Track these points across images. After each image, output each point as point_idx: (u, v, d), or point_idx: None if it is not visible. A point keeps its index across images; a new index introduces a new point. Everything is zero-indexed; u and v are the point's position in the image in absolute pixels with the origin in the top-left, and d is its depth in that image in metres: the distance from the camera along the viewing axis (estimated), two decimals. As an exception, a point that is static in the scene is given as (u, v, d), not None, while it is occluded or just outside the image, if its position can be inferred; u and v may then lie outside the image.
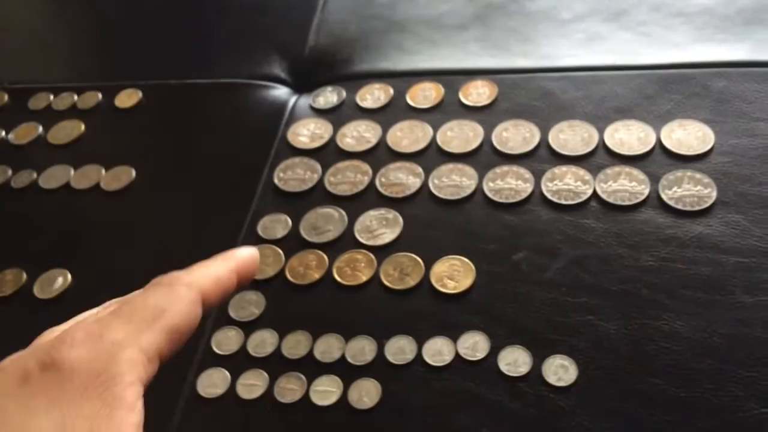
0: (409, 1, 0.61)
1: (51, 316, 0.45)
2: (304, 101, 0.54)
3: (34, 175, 0.53)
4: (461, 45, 0.57)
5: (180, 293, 0.27)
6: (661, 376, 0.35)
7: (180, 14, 0.65)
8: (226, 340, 0.41)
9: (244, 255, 0.31)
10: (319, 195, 0.47)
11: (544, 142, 0.47)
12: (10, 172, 0.53)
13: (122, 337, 0.25)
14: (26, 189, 0.52)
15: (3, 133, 0.57)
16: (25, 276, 0.46)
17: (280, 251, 0.44)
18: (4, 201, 0.52)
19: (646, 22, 0.55)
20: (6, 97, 0.60)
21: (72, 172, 0.52)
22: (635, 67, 0.51)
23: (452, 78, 0.53)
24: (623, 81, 0.50)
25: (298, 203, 0.47)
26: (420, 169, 0.47)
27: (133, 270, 0.46)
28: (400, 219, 0.45)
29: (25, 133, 0.56)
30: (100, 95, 0.58)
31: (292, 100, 0.55)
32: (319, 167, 0.49)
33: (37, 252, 0.48)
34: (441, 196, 0.45)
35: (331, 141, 0.50)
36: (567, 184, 0.44)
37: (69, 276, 0.46)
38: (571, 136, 0.46)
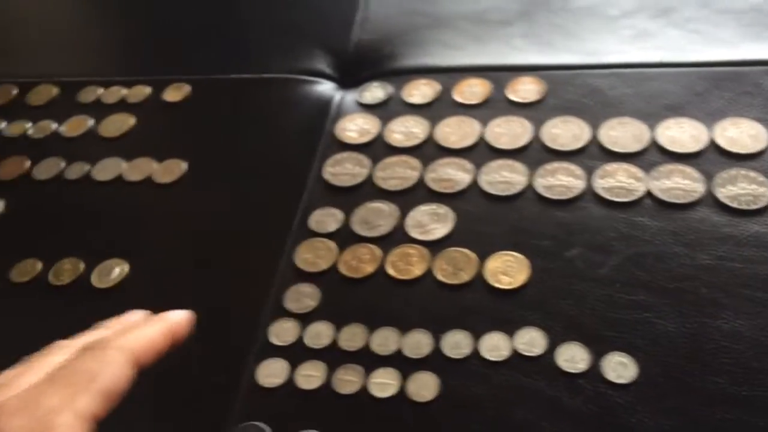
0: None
1: (109, 304, 0.46)
2: (351, 97, 0.55)
3: (87, 167, 0.54)
4: (506, 41, 0.57)
5: (111, 357, 0.29)
6: (722, 374, 0.35)
7: (223, 9, 0.65)
8: (283, 332, 0.41)
9: (177, 318, 0.33)
10: (368, 190, 0.48)
11: (594, 139, 0.47)
12: (63, 163, 0.54)
13: (57, 403, 0.26)
14: (80, 180, 0.53)
15: (55, 125, 0.58)
16: (82, 265, 0.47)
17: (333, 245, 0.45)
18: (59, 192, 0.53)
19: (694, 19, 0.55)
20: (55, 91, 0.61)
21: (124, 164, 0.53)
22: (685, 65, 0.51)
23: (499, 74, 0.53)
24: (673, 78, 0.50)
25: (348, 198, 0.48)
26: (470, 165, 0.47)
27: (186, 261, 0.47)
28: (452, 214, 0.45)
29: (76, 125, 0.57)
30: (148, 89, 0.59)
31: (338, 95, 0.56)
32: (368, 162, 0.49)
33: (93, 242, 0.49)
34: (492, 192, 0.46)
35: (379, 136, 0.51)
36: (619, 182, 0.44)
37: (126, 266, 0.47)
38: (622, 134, 0.47)
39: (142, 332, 0.31)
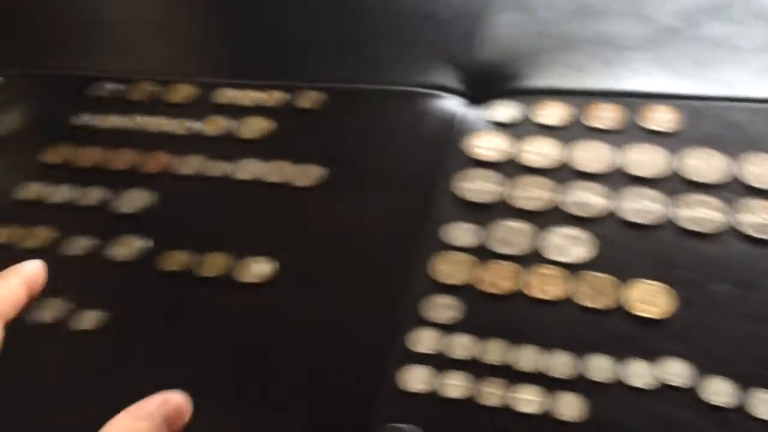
0: (578, 19, 0.62)
1: (259, 298, 0.49)
2: (479, 113, 0.57)
3: (228, 166, 0.57)
4: (637, 67, 0.58)
5: None
6: None
7: (348, 20, 0.68)
8: (423, 340, 0.43)
9: (32, 269, 0.35)
10: (503, 208, 0.49)
11: (735, 174, 0.47)
12: (204, 161, 0.58)
13: None
14: (221, 178, 0.56)
15: (194, 124, 0.61)
16: (229, 260, 0.50)
17: (468, 259, 0.47)
18: (201, 189, 0.56)
19: (830, 57, 0.55)
20: (194, 91, 0.64)
21: (263, 166, 0.56)
22: (825, 104, 0.51)
23: (631, 100, 0.54)
24: (813, 117, 0.50)
25: (481, 214, 0.49)
26: (606, 191, 0.49)
27: (325, 262, 0.49)
28: (590, 238, 0.46)
29: (215, 126, 0.60)
30: (283, 94, 0.61)
31: (464, 111, 0.57)
32: (501, 180, 0.51)
33: (237, 238, 0.52)
34: (631, 219, 0.47)
35: (512, 155, 0.52)
36: (764, 219, 0.45)
37: (269, 263, 0.49)
38: (765, 171, 0.47)
39: (3, 290, 0.33)
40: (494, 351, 0.42)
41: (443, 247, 0.48)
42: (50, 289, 0.51)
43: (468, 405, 0.40)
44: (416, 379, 0.42)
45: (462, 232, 0.49)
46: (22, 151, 0.62)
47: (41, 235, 0.55)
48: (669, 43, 0.59)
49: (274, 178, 0.55)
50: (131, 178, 0.58)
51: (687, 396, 0.38)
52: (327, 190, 0.54)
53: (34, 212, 0.57)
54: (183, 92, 0.64)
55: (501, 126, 0.55)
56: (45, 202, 0.58)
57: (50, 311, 0.50)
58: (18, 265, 0.35)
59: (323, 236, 0.51)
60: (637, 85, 0.56)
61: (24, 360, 0.43)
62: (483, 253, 0.47)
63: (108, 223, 0.55)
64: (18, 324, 0.49)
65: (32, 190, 0.59)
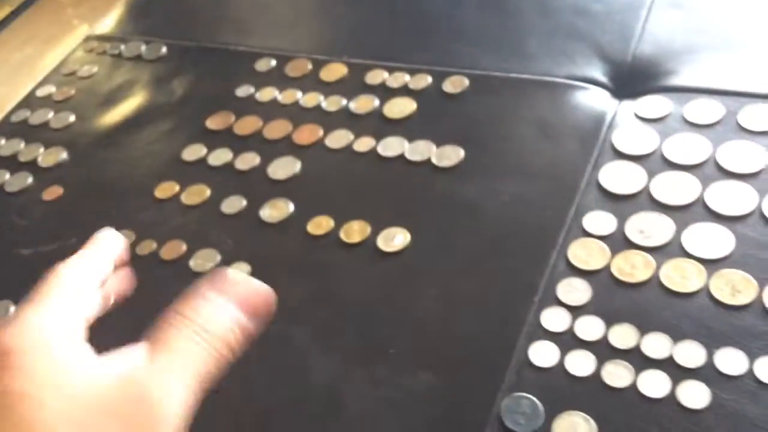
0: (739, 19, 0.61)
1: (393, 267, 0.52)
2: (628, 107, 0.57)
3: (374, 142, 0.60)
4: (796, 71, 0.56)
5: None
6: None
7: (501, 10, 0.70)
8: (555, 319, 0.45)
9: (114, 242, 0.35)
10: (644, 200, 0.50)
11: None
12: (352, 136, 0.62)
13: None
14: (367, 153, 0.60)
15: (344, 101, 0.65)
16: (369, 228, 0.54)
17: (606, 247, 0.48)
18: (349, 161, 0.60)
19: None
20: (346, 70, 0.68)
21: (406, 144, 0.59)
22: None
23: (784, 103, 0.53)
24: None
25: (623, 205, 0.50)
26: (753, 191, 0.48)
27: (463, 239, 0.52)
28: (731, 236, 0.46)
29: (363, 104, 0.64)
30: (429, 78, 0.64)
31: (614, 104, 0.58)
32: (645, 173, 0.51)
33: (379, 209, 0.55)
34: (776, 220, 0.46)
35: (658, 150, 0.52)
36: None
37: (408, 234, 0.52)
38: None
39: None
40: (623, 335, 0.43)
41: (583, 234, 0.49)
42: (206, 242, 0.57)
43: (593, 383, 0.41)
44: (545, 354, 0.43)
45: (601, 221, 0.49)
46: (188, 116, 0.69)
47: (202, 193, 0.61)
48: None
49: (416, 157, 0.58)
50: (283, 148, 0.63)
51: (824, 398, 0.37)
52: (467, 172, 0.56)
53: (196, 172, 0.63)
54: (336, 71, 0.69)
55: (649, 121, 0.55)
56: (206, 164, 0.64)
57: (202, 261, 0.55)
58: (101, 236, 0.36)
59: (462, 213, 0.53)
60: (793, 88, 0.55)
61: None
62: (620, 242, 0.48)
63: (260, 187, 0.60)
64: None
65: (195, 151, 0.65)
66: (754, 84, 0.55)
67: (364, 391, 0.44)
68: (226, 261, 0.55)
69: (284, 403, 0.46)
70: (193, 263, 0.55)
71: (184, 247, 0.57)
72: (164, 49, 0.77)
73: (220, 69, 0.74)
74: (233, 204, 0.59)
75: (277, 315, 0.50)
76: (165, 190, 0.62)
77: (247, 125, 0.66)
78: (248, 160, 0.63)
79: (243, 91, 0.70)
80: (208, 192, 0.61)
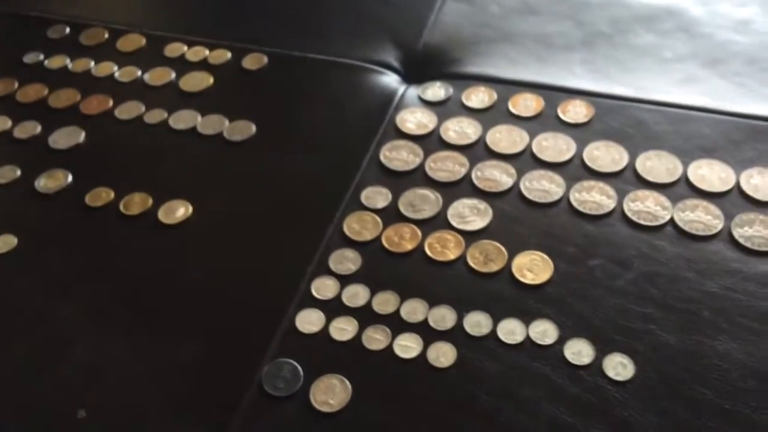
0: (522, 17, 0.66)
1: (172, 239, 0.51)
2: (413, 91, 0.60)
3: (165, 114, 0.59)
4: (565, 65, 0.61)
5: None
6: (710, 387, 0.39)
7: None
8: (323, 287, 0.46)
9: None
10: (418, 177, 0.52)
11: (630, 166, 0.51)
12: (143, 108, 0.60)
13: None
14: (157, 125, 0.58)
15: (139, 73, 0.63)
16: (150, 201, 0.52)
17: (379, 219, 0.50)
18: (138, 133, 0.58)
19: (740, 73, 0.59)
20: (144, 41, 0.66)
21: (199, 118, 0.58)
22: (726, 113, 0.55)
23: (553, 93, 0.58)
24: (712, 123, 0.54)
25: (399, 181, 0.52)
26: (513, 170, 0.52)
27: (245, 213, 0.52)
28: (490, 211, 0.49)
29: (159, 76, 0.63)
30: (229, 54, 0.64)
31: (402, 88, 0.60)
32: (421, 152, 0.54)
33: (162, 181, 0.54)
34: (530, 197, 0.50)
35: (435, 131, 0.56)
36: (647, 207, 0.48)
37: (190, 207, 0.52)
38: (657, 165, 0.51)
39: None
40: (384, 302, 0.45)
41: (359, 208, 0.51)
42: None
43: (352, 347, 0.43)
44: (311, 321, 0.44)
45: (377, 195, 0.51)
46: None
47: (-25, 161, 0.57)
48: (599, 47, 0.63)
49: (208, 131, 0.58)
50: (68, 117, 0.60)
51: (548, 353, 0.41)
52: (256, 146, 0.56)
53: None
54: (134, 42, 0.66)
55: (430, 104, 0.58)
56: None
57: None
58: None
59: (247, 187, 0.53)
60: (562, 80, 0.60)
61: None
62: (392, 216, 0.50)
63: (38, 157, 0.57)
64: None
65: (-28, 119, 0.60)
66: (523, 73, 0.59)
67: (126, 362, 0.43)
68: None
69: (44, 377, 0.43)
70: (-48, 236, 0.51)
71: (-55, 218, 0.52)
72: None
73: (10, 34, 0.69)
74: (5, 174, 0.55)
75: (43, 290, 0.49)
76: (-70, 157, 0.57)
77: (31, 93, 0.62)
78: (28, 129, 0.59)
79: (31, 57, 0.65)
80: (-20, 161, 0.57)
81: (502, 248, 0.47)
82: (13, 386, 0.43)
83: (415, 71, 0.62)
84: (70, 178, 0.55)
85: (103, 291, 0.48)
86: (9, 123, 0.59)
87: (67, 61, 0.65)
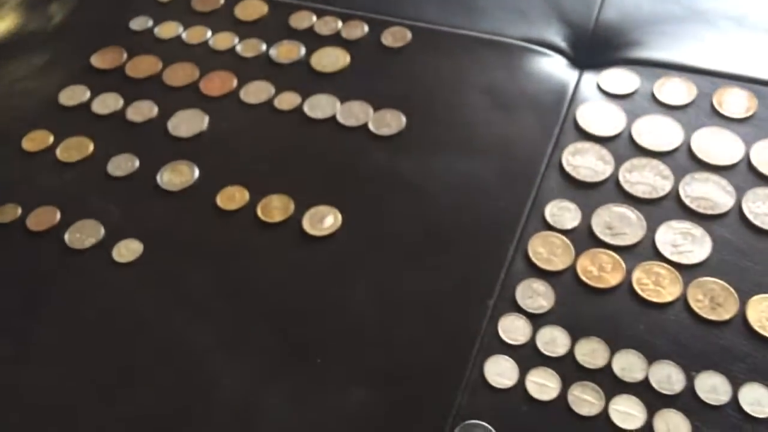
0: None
1: (321, 254, 0.43)
2: (591, 79, 0.50)
3: (299, 99, 0.51)
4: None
5: None
6: None
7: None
8: (513, 329, 0.38)
9: None
10: (611, 190, 0.44)
11: None
12: (273, 90, 0.52)
13: None
14: (291, 113, 0.50)
15: (264, 46, 0.55)
16: (293, 206, 0.45)
17: (570, 243, 0.41)
18: (269, 120, 0.50)
19: None
20: (266, 8, 0.58)
21: (338, 105, 0.50)
22: None
23: (765, 89, 0.48)
24: None
25: (588, 194, 0.44)
26: (731, 187, 0.43)
27: (400, 224, 0.44)
28: (708, 238, 0.41)
29: (287, 51, 0.54)
30: (366, 27, 0.55)
31: (574, 75, 0.51)
32: (612, 159, 0.45)
33: (302, 182, 0.46)
34: (757, 223, 0.41)
35: (626, 132, 0.46)
36: None
37: (339, 216, 0.44)
38: None
39: None
40: (591, 353, 0.37)
41: (545, 227, 0.42)
42: (85, 210, 0.46)
43: (558, 409, 0.35)
44: (502, 372, 0.37)
45: (563, 212, 0.43)
46: (68, 49, 0.57)
47: (83, 147, 0.49)
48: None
49: (350, 122, 0.49)
50: (187, 97, 0.52)
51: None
52: (409, 142, 0.48)
53: (76, 120, 0.52)
54: (255, 9, 0.58)
55: (615, 97, 0.49)
56: (89, 111, 0.52)
57: (81, 235, 0.45)
58: None
59: (403, 193, 0.45)
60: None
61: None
62: (586, 239, 0.41)
63: (157, 145, 0.49)
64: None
65: (76, 94, 0.53)
66: (727, 63, 0.49)
67: (282, 411, 0.36)
68: (112, 237, 0.44)
69: (184, 419, 0.37)
70: (69, 237, 0.45)
71: (57, 216, 0.46)
72: (40, -36, 0.63)
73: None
74: (122, 164, 0.48)
75: (176, 309, 0.42)
76: (36, 140, 0.50)
77: (143, 66, 0.55)
78: (143, 111, 0.52)
79: (139, 23, 0.58)
80: (91, 147, 0.50)
81: (731, 289, 0.38)
82: (155, 427, 0.37)
83: (587, 54, 0.53)
84: (196, 172, 0.47)
85: (244, 312, 0.40)
86: (121, 102, 0.52)
87: (180, 29, 0.57)
